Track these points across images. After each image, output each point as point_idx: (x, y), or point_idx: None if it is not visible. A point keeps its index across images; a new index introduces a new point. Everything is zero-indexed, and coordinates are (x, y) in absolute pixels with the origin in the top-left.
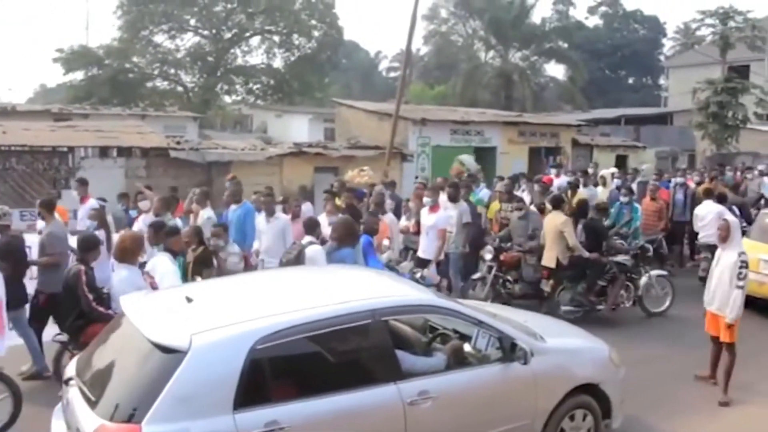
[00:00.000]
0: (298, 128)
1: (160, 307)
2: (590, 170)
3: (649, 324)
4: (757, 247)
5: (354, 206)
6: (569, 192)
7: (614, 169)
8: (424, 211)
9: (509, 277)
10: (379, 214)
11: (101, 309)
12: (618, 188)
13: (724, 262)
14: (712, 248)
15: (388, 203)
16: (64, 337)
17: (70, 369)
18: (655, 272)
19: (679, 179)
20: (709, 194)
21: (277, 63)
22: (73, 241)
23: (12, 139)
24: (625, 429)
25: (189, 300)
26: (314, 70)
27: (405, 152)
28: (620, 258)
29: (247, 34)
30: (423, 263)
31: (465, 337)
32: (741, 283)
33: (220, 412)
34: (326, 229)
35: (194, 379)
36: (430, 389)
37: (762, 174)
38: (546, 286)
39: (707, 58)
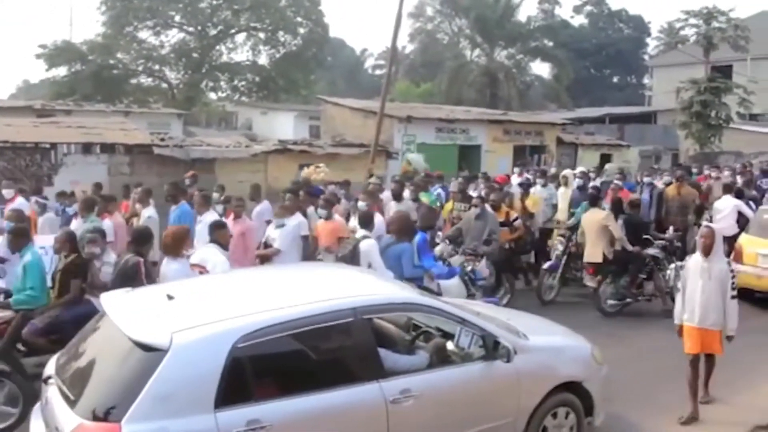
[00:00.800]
0: (283, 125)
1: (140, 305)
2: (553, 170)
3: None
4: (756, 242)
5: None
6: (521, 193)
7: (581, 169)
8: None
9: None
10: (330, 214)
11: None
12: (579, 188)
13: (714, 274)
14: (729, 240)
15: (343, 203)
16: None
17: (50, 367)
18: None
19: (646, 179)
20: (728, 190)
21: (263, 60)
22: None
23: None
24: (608, 427)
25: (170, 298)
26: (300, 67)
27: (390, 150)
28: (652, 251)
29: (233, 31)
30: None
31: (448, 335)
32: (734, 293)
33: (201, 410)
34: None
35: (175, 378)
36: (413, 387)
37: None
38: (592, 282)
39: (691, 58)
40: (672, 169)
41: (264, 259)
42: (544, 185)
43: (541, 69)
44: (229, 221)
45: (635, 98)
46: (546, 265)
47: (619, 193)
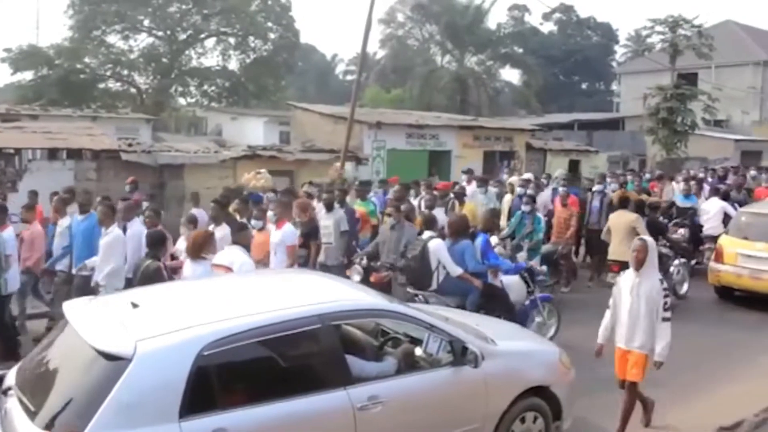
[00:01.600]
0: (253, 131)
1: (104, 313)
2: (505, 176)
3: None
4: (735, 243)
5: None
6: (456, 202)
7: (527, 175)
8: (272, 228)
9: None
10: (264, 225)
11: None
12: (520, 197)
13: (642, 291)
14: (714, 239)
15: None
16: None
17: (10, 378)
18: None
19: (597, 186)
20: (715, 192)
21: (233, 65)
22: None
23: None
24: (575, 430)
25: (134, 306)
26: (270, 72)
27: (360, 156)
28: (664, 250)
29: (202, 36)
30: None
31: (416, 341)
32: (668, 314)
33: (166, 420)
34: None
35: (139, 387)
36: (380, 394)
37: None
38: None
39: (657, 65)
40: (616, 175)
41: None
42: (484, 192)
43: (511, 75)
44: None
45: (603, 104)
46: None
47: (567, 200)
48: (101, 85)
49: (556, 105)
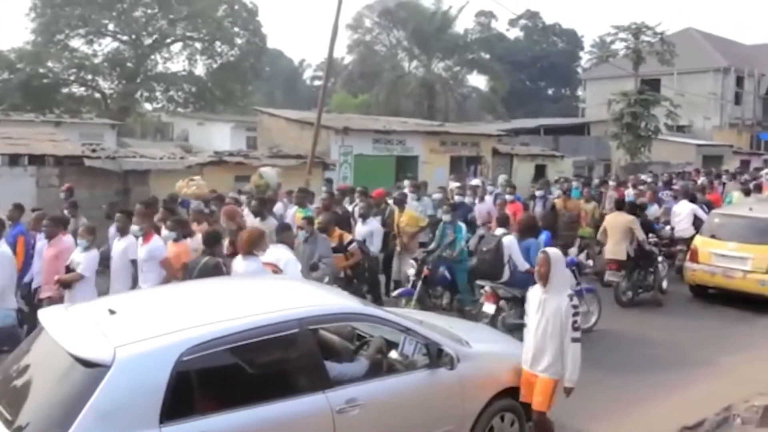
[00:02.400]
0: (220, 137)
1: (81, 320)
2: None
3: None
4: (709, 243)
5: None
6: (396, 209)
7: (475, 181)
8: (137, 242)
9: None
10: (179, 236)
11: None
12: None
13: (549, 310)
14: (687, 241)
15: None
16: None
17: None
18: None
19: (538, 192)
20: (685, 195)
21: (199, 70)
22: None
23: None
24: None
25: (112, 312)
26: (237, 77)
27: (327, 161)
28: (654, 249)
29: (169, 41)
30: None
31: (392, 345)
32: (577, 335)
33: (146, 426)
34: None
35: (118, 394)
36: (358, 397)
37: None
38: (615, 277)
39: (621, 71)
40: (560, 180)
41: (64, 285)
42: (417, 199)
43: (478, 81)
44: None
45: (569, 110)
46: (396, 292)
47: (509, 206)
48: (65, 90)
49: (522, 110)
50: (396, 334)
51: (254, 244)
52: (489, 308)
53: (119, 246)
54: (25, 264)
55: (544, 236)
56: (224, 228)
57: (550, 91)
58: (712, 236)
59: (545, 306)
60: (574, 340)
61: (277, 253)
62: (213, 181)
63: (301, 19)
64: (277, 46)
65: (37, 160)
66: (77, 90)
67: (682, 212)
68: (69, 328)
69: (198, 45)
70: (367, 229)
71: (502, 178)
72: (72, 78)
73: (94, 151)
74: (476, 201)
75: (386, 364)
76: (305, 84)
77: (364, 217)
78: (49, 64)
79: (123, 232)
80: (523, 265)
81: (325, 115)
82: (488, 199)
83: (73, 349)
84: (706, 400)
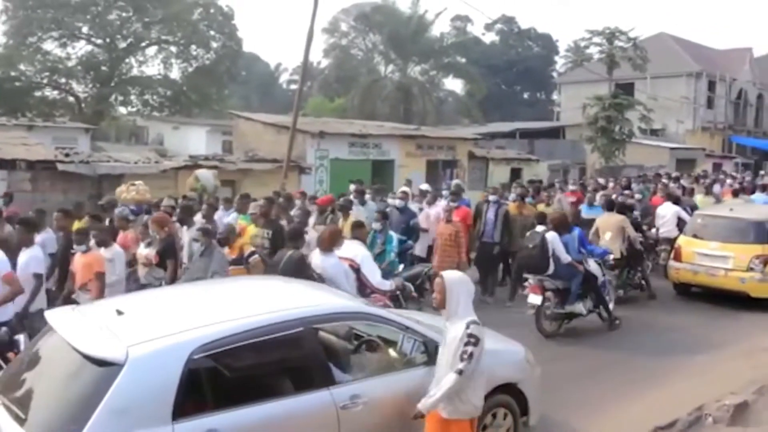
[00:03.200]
0: (195, 141)
1: (90, 321)
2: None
3: None
4: (693, 242)
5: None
6: (342, 215)
7: (425, 186)
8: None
9: None
10: (88, 247)
11: None
12: (400, 210)
13: (448, 339)
14: (671, 241)
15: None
16: None
17: None
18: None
19: (492, 197)
20: (669, 198)
21: (175, 74)
22: None
23: None
24: (542, 426)
25: (119, 313)
26: (213, 81)
27: (303, 165)
28: (640, 246)
29: (143, 44)
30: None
31: (390, 343)
32: (461, 366)
33: (159, 422)
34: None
35: (132, 391)
36: (361, 393)
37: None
38: (609, 275)
39: (596, 75)
40: (514, 185)
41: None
42: (362, 204)
43: (454, 85)
44: None
45: (545, 114)
46: None
47: (456, 211)
48: (37, 93)
49: (498, 114)
50: (395, 332)
51: (333, 242)
52: (535, 299)
53: (23, 255)
54: None
55: (576, 232)
56: (153, 236)
57: (525, 95)
58: (695, 236)
59: (446, 335)
60: (458, 372)
61: (353, 248)
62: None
63: (278, 22)
64: (253, 50)
65: (8, 164)
66: (50, 93)
67: (667, 214)
68: (78, 328)
69: (173, 48)
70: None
71: (453, 183)
72: (45, 81)
73: (67, 155)
74: (425, 206)
75: (386, 361)
76: (281, 88)
77: (301, 224)
78: (22, 67)
79: (25, 243)
80: (566, 259)
81: (302, 119)
82: (442, 203)
83: (85, 348)
84: (680, 399)
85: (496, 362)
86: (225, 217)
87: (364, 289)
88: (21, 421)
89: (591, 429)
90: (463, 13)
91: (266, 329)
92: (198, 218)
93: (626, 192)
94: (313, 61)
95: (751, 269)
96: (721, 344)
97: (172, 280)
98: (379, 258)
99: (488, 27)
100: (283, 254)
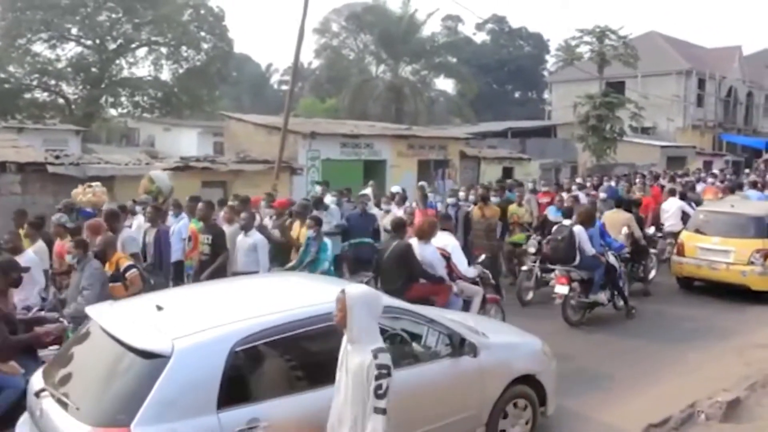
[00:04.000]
0: (187, 142)
1: (132, 316)
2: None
3: None
4: (695, 237)
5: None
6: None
7: (396, 188)
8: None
9: None
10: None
11: (430, 272)
12: (360, 214)
13: (351, 366)
14: (675, 235)
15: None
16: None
17: (38, 381)
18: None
19: (450, 200)
20: (673, 193)
21: (165, 75)
22: None
23: None
24: (557, 415)
25: (159, 308)
26: (204, 82)
27: (294, 166)
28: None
29: (134, 45)
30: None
31: (414, 336)
32: (382, 405)
33: (205, 412)
34: None
35: (179, 382)
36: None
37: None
38: None
39: (586, 74)
40: (476, 187)
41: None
42: (325, 208)
43: (446, 84)
44: None
45: (536, 113)
46: None
47: (419, 213)
48: (27, 95)
49: (490, 113)
50: (418, 325)
51: (429, 233)
52: (562, 289)
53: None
54: None
55: (597, 225)
56: (89, 242)
57: (516, 95)
58: (697, 231)
59: (348, 360)
60: (377, 410)
61: (444, 239)
62: (179, 187)
63: (268, 23)
64: (244, 51)
65: None
66: (40, 95)
67: (671, 209)
68: (122, 322)
69: (164, 50)
70: (250, 242)
71: (422, 185)
72: (35, 83)
73: (57, 157)
74: (393, 208)
75: (412, 353)
76: (273, 89)
77: (246, 228)
78: (11, 68)
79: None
80: (591, 251)
81: (293, 120)
82: (411, 205)
83: (132, 341)
84: (673, 396)
85: (516, 355)
86: (175, 224)
87: (451, 273)
88: (74, 412)
89: (584, 428)
90: (454, 12)
91: (303, 322)
92: (138, 222)
93: (593, 193)
94: (304, 62)
95: (751, 263)
96: (714, 340)
97: None
98: (311, 266)
99: (479, 27)
100: (389, 243)
